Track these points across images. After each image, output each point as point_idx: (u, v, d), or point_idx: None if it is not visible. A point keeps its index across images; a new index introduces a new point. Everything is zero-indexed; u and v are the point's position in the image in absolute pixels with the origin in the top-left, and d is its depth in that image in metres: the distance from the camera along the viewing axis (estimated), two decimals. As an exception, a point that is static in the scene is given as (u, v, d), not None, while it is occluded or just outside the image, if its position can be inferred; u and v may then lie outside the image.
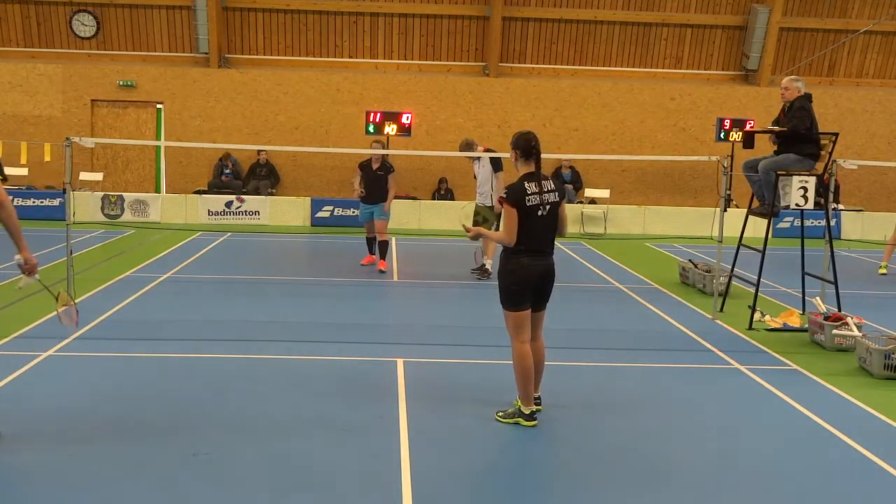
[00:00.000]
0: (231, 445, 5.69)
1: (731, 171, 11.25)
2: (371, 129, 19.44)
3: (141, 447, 5.61)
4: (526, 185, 6.08)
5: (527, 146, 6.16)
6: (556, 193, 6.19)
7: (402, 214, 19.11)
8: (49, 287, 6.00)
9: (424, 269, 13.68)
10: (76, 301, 9.91)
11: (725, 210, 10.41)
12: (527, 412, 6.22)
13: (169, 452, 5.53)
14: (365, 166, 13.09)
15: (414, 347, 8.38)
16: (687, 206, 21.55)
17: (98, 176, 21.20)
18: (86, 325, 8.88)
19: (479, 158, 12.48)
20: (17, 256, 5.40)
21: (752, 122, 20.58)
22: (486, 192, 12.25)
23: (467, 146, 12.59)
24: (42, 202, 19.62)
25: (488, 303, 8.78)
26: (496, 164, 12.18)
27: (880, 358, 7.78)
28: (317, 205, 20.23)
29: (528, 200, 6.03)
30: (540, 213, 6.07)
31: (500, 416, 6.33)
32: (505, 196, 6.08)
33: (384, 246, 13.11)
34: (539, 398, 6.53)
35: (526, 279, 6.12)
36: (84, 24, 21.94)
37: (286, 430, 6.03)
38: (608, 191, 21.47)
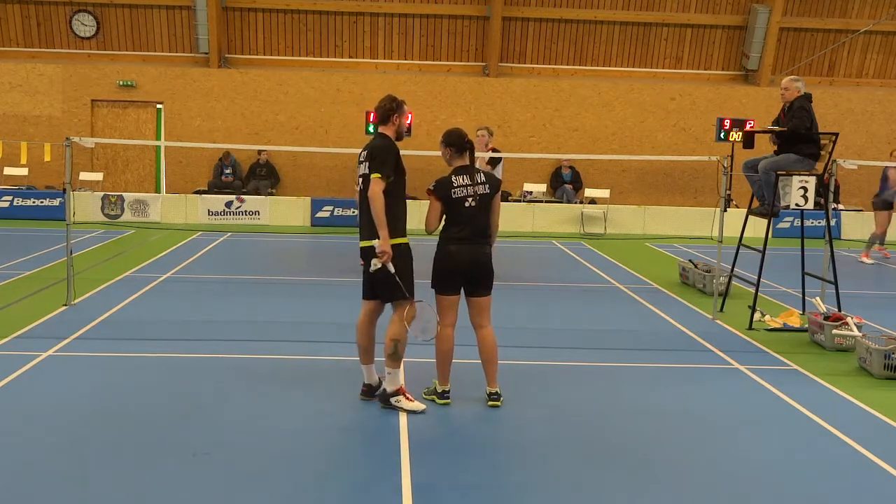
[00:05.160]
0: (230, 445, 5.69)
1: (731, 171, 11.25)
2: (371, 129, 19.43)
3: (140, 447, 5.61)
4: (454, 178, 6.50)
5: (461, 142, 6.54)
6: (488, 186, 6.54)
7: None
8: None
9: (425, 269, 13.63)
10: (76, 301, 9.97)
11: (725, 210, 10.41)
12: (440, 391, 6.69)
13: (168, 452, 5.53)
14: None
15: (413, 347, 8.35)
16: (687, 206, 21.54)
17: (98, 176, 21.22)
18: (86, 325, 8.89)
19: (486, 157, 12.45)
20: (376, 242, 6.38)
21: (752, 122, 20.57)
22: None
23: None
24: (42, 202, 19.62)
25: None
26: (495, 165, 12.15)
27: (880, 358, 7.78)
28: (317, 205, 20.23)
29: (455, 193, 6.47)
30: (468, 203, 6.49)
31: (424, 393, 6.80)
32: (432, 189, 6.57)
33: None
34: (497, 393, 6.64)
35: (452, 266, 6.63)
36: (84, 24, 21.94)
37: (286, 429, 6.03)
38: (608, 191, 21.47)
